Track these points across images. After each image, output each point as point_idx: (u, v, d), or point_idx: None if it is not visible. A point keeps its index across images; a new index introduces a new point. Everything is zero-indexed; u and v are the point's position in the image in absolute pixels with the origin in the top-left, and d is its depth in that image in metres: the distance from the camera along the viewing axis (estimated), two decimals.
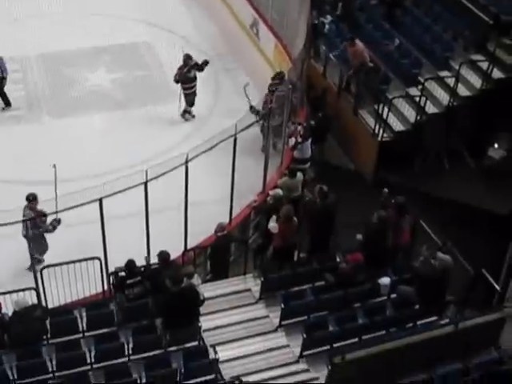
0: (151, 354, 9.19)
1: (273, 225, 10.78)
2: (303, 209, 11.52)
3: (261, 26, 16.98)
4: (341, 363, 8.38)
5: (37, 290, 9.84)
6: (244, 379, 8.88)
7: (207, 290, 10.17)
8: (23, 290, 9.55)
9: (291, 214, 10.80)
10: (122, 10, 18.09)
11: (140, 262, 10.07)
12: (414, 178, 14.00)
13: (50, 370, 8.84)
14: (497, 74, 14.81)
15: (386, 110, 14.20)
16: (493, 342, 9.33)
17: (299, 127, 13.58)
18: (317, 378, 9.20)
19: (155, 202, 10.43)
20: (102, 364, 9.01)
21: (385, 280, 10.13)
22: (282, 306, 9.80)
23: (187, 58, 14.38)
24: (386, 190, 11.09)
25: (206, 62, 14.65)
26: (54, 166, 10.53)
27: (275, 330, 9.92)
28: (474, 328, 9.01)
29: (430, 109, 14.54)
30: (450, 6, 15.96)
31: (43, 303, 9.95)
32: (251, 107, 13.04)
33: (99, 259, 9.92)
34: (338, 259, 10.58)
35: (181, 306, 9.11)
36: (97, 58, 16.61)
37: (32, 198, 10.80)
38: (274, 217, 10.85)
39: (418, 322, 9.83)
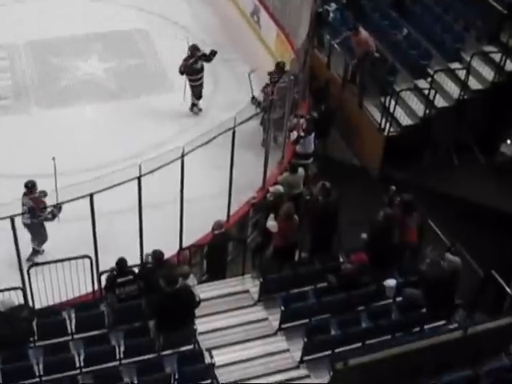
0: (144, 357, 9.16)
1: (272, 223, 10.76)
2: (304, 206, 11.50)
3: (262, 14, 16.96)
4: (343, 369, 8.33)
5: (23, 289, 9.81)
6: None
7: (203, 290, 10.15)
8: (9, 289, 9.52)
9: (292, 212, 10.79)
10: None
11: (133, 260, 10.06)
12: (422, 175, 14.00)
13: (37, 373, 8.81)
14: (510, 66, 14.77)
15: (392, 103, 14.16)
16: (504, 348, 9.31)
17: (301, 120, 13.57)
18: None
19: (150, 196, 10.41)
20: (91, 368, 8.97)
21: (390, 282, 10.11)
22: (282, 308, 9.78)
23: (194, 48, 14.26)
24: (393, 187, 11.07)
25: (214, 53, 14.51)
26: (53, 158, 10.58)
27: (275, 334, 9.90)
28: (484, 333, 8.97)
29: (440, 102, 14.51)
30: None
31: (30, 303, 9.91)
32: (253, 98, 13.01)
33: (89, 258, 9.89)
34: (341, 259, 10.57)
35: (175, 307, 9.08)
36: (88, 46, 16.58)
37: (31, 185, 10.82)
38: (272, 215, 10.83)
39: (425, 327, 9.81)
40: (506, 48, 14.73)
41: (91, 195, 9.59)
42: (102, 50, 16.55)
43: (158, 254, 9.83)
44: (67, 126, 14.12)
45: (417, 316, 9.88)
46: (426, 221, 10.89)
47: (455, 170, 14.55)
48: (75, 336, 9.44)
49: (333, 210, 11.03)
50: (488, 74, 14.75)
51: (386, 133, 14.29)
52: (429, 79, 14.56)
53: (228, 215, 11.85)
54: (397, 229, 10.44)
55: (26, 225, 10.83)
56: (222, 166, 11.66)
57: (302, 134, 13.43)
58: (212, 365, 8.97)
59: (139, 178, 9.94)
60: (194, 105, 14.79)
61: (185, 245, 11.14)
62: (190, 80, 14.47)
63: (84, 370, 8.96)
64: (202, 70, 14.43)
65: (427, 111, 14.37)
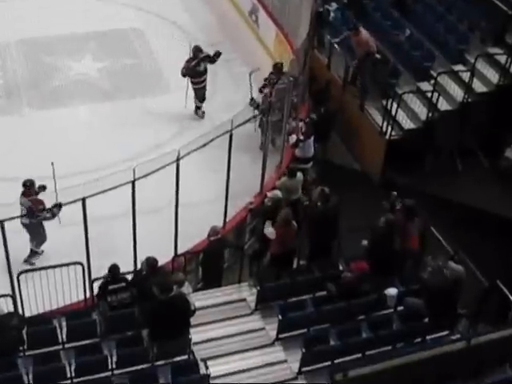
0: (137, 368, 9.11)
1: (270, 230, 10.74)
2: (303, 212, 11.48)
3: (260, 13, 16.93)
4: (343, 381, 8.32)
5: (13, 296, 9.77)
6: None
7: (198, 299, 10.13)
8: None
9: (290, 218, 10.79)
10: None
11: (129, 266, 10.02)
12: (424, 180, 14.01)
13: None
14: None
15: (394, 105, 14.17)
16: (508, 359, 9.30)
17: (301, 123, 13.54)
18: None
19: (146, 200, 10.38)
20: (83, 378, 8.92)
21: (391, 291, 10.09)
22: (280, 317, 9.75)
23: (196, 50, 14.14)
24: (394, 192, 11.06)
25: (218, 54, 14.39)
26: (52, 164, 10.48)
27: (272, 344, 9.87)
28: (488, 344, 8.98)
29: (443, 105, 14.53)
30: None
31: (20, 311, 9.86)
32: (252, 99, 12.99)
33: (81, 264, 9.85)
34: (340, 267, 10.55)
35: (170, 316, 9.04)
36: (82, 45, 16.54)
37: (29, 184, 10.75)
38: (269, 222, 10.80)
39: (427, 337, 9.80)
40: (511, 50, 14.73)
41: (83, 200, 9.55)
42: (95, 49, 16.52)
43: (151, 261, 9.78)
44: (60, 127, 14.07)
45: (419, 326, 9.87)
46: (429, 227, 10.88)
47: (458, 175, 14.56)
48: (66, 345, 9.40)
49: (332, 215, 11.02)
50: (493, 76, 14.78)
51: (387, 136, 14.28)
52: (432, 81, 14.59)
53: (224, 221, 11.82)
54: (398, 235, 10.44)
55: (24, 225, 10.82)
56: (218, 169, 11.65)
57: (302, 137, 13.40)
58: (207, 376, 8.93)
59: (133, 182, 9.91)
60: (197, 108, 14.68)
61: (180, 251, 11.11)
62: (192, 82, 14.37)
63: (75, 380, 8.91)
64: (205, 72, 14.29)
65: (430, 114, 14.37)
